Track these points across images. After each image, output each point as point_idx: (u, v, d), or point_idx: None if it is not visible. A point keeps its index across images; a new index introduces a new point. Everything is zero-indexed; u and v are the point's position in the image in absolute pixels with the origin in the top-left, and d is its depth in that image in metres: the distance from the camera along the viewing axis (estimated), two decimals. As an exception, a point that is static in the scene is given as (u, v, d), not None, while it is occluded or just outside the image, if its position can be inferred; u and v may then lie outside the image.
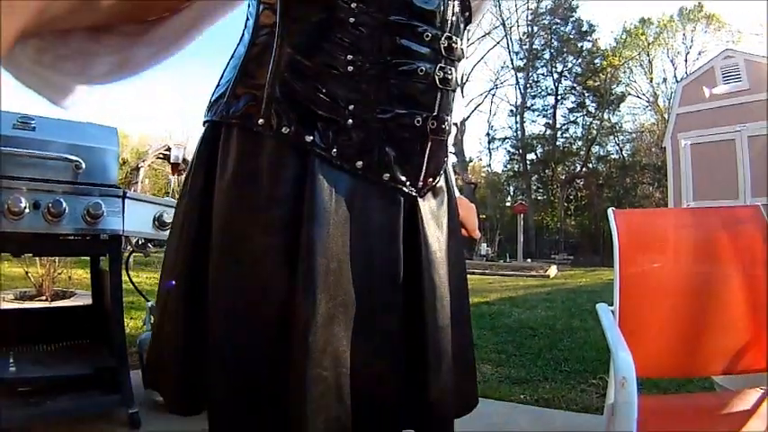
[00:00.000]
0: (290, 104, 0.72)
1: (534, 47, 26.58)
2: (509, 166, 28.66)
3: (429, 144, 0.80)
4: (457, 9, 0.80)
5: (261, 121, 0.72)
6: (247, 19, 0.81)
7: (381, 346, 0.76)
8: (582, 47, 26.43)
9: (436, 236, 0.84)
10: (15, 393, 1.77)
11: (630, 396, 1.21)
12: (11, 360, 1.91)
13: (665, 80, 26.43)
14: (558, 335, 4.40)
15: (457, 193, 0.98)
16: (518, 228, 17.90)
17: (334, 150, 0.73)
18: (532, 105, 27.18)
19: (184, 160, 10.65)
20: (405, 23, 0.74)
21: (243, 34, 0.81)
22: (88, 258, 2.68)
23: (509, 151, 28.49)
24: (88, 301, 2.59)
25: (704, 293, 1.60)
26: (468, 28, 0.88)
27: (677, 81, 18.59)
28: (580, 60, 26.53)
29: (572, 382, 3.02)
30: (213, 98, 0.80)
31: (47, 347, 2.24)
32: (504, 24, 25.43)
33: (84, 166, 1.92)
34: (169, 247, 0.83)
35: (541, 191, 27.97)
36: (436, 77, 0.77)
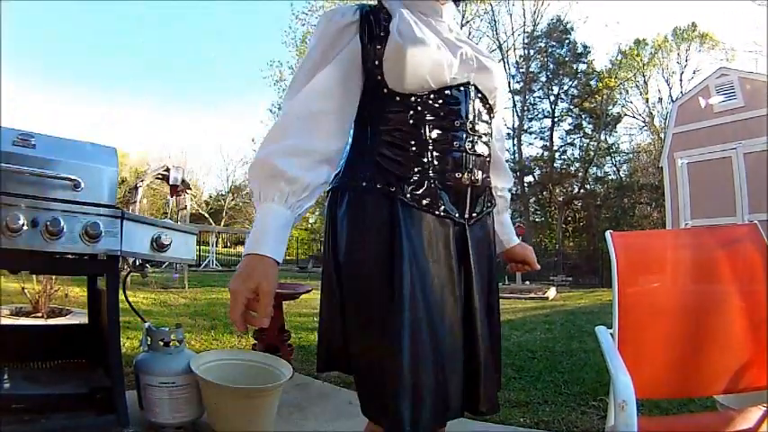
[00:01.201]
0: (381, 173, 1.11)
1: (531, 70, 26.79)
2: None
3: (469, 190, 1.14)
4: (479, 105, 1.16)
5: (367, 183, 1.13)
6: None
7: (452, 356, 1.05)
8: (577, 69, 26.68)
9: (479, 255, 1.15)
10: (10, 410, 1.74)
11: (630, 419, 1.20)
12: (5, 376, 1.89)
13: (660, 100, 26.72)
14: (558, 357, 4.37)
15: (516, 240, 1.49)
16: (516, 249, 17.82)
17: (407, 195, 1.08)
18: (529, 128, 27.35)
19: (183, 182, 10.66)
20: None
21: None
22: (85, 277, 2.66)
23: (507, 173, 28.52)
24: (84, 319, 2.57)
25: (703, 312, 1.60)
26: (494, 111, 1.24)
27: (673, 101, 18.80)
28: (576, 82, 26.77)
29: (572, 404, 2.99)
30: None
31: (42, 365, 2.22)
32: (500, 48, 25.69)
33: (83, 185, 1.92)
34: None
35: (539, 213, 28.00)
36: (466, 147, 1.13)
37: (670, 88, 26.29)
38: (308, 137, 1.03)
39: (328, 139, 1.06)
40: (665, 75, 26.63)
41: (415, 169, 1.09)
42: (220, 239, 24.87)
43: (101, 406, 1.90)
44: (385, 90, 1.09)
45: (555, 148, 26.78)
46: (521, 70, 26.80)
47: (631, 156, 26.85)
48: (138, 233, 2.07)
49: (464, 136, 1.12)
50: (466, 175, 1.11)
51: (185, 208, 11.15)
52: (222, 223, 30.15)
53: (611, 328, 1.57)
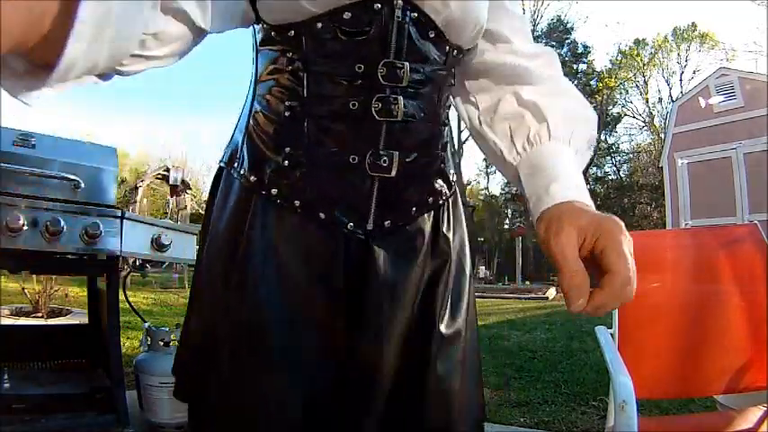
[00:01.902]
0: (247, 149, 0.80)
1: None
2: (507, 189, 28.72)
3: (375, 184, 0.75)
4: (413, 32, 0.73)
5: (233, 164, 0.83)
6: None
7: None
8: (577, 69, 26.76)
9: (402, 283, 0.77)
10: (10, 410, 1.74)
11: (630, 420, 1.20)
12: (5, 376, 1.89)
13: (660, 100, 26.81)
14: (558, 357, 4.37)
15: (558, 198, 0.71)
16: (516, 250, 17.88)
17: (274, 190, 0.75)
18: (530, 127, 27.34)
19: (183, 182, 10.68)
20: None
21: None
22: (85, 276, 2.66)
23: (508, 174, 28.56)
24: (84, 318, 2.57)
25: (703, 312, 1.60)
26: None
27: (673, 101, 18.79)
28: (576, 82, 26.73)
29: (572, 404, 3.00)
30: None
31: (42, 365, 2.22)
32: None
33: (82, 185, 1.92)
34: None
35: (540, 212, 27.96)
36: (374, 108, 0.72)
37: (670, 88, 26.37)
38: None
39: None
40: (665, 75, 26.71)
41: (287, 148, 0.74)
42: (220, 239, 24.81)
43: (101, 406, 1.90)
44: (265, 25, 0.76)
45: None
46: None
47: (631, 156, 26.91)
48: (138, 233, 2.06)
49: (371, 89, 0.71)
50: (369, 159, 0.73)
51: (185, 208, 11.17)
52: (222, 223, 30.07)
53: (610, 328, 1.56)
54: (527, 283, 17.06)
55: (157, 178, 10.80)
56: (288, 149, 0.74)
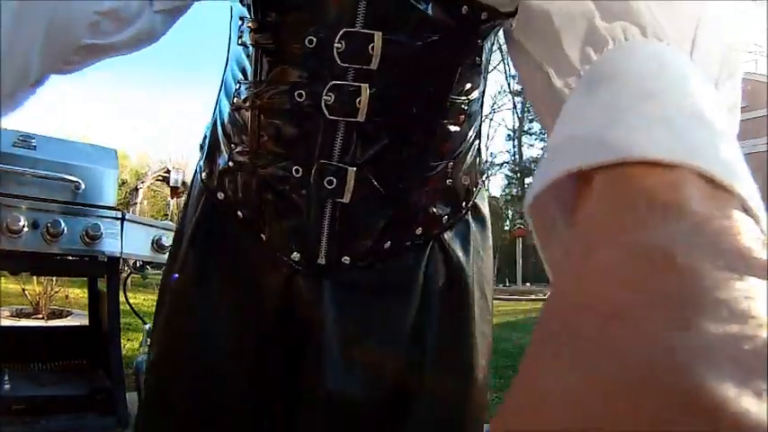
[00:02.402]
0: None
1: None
2: (507, 191, 28.75)
3: (327, 211, 0.56)
4: None
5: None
6: None
7: None
8: (578, 71, 26.75)
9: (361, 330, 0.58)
10: (10, 411, 1.74)
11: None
12: (6, 377, 1.89)
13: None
14: (559, 357, 4.37)
15: None
16: (516, 252, 17.89)
17: (220, 194, 0.62)
18: (530, 129, 27.38)
19: (183, 183, 10.65)
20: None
21: None
22: (85, 278, 2.67)
23: (507, 176, 28.63)
24: (85, 320, 2.58)
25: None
26: None
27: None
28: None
29: (573, 404, 2.99)
30: None
31: (43, 366, 2.22)
32: (501, 49, 25.69)
33: (83, 186, 1.92)
34: None
35: (540, 214, 28.01)
36: (328, 104, 0.52)
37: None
38: None
39: None
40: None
41: (232, 144, 0.60)
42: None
43: (101, 407, 1.90)
44: None
45: (556, 149, 26.84)
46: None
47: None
48: (139, 235, 2.08)
49: (322, 73, 0.52)
50: (315, 174, 0.54)
51: (186, 209, 11.20)
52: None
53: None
54: (527, 284, 17.06)
55: (158, 180, 10.80)
56: (233, 146, 0.60)
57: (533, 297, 11.97)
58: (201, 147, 0.68)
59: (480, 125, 0.64)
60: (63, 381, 2.03)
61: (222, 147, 0.62)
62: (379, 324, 0.58)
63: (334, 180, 0.53)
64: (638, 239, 0.20)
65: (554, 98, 0.37)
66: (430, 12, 0.50)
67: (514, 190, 27.85)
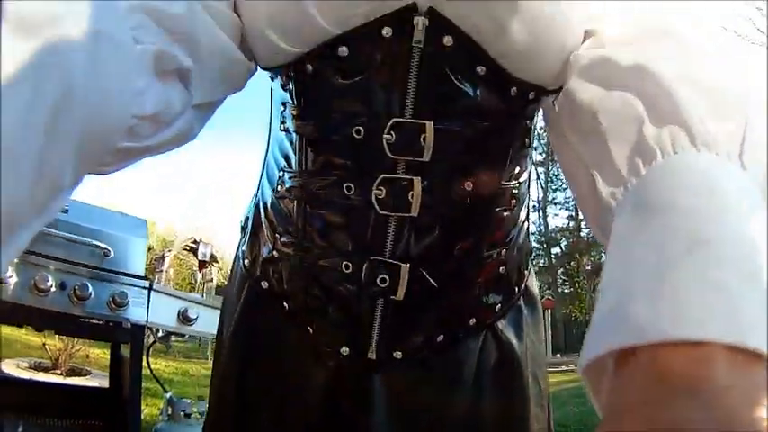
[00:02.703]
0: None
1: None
2: (534, 261, 28.14)
3: (378, 306, 0.53)
4: (443, 65, 0.48)
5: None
6: None
7: None
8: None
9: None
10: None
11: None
12: (20, 429, 1.88)
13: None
14: (593, 432, 4.15)
15: None
16: (546, 323, 17.43)
17: (264, 283, 0.60)
18: (554, 199, 27.34)
19: (212, 256, 10.83)
20: None
21: None
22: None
23: (534, 246, 28.07)
24: (104, 380, 2.56)
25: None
26: None
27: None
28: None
29: (610, 482, 2.80)
30: None
31: (58, 423, 2.19)
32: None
33: (112, 253, 1.97)
34: None
35: (567, 283, 27.44)
36: (381, 199, 0.49)
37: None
38: None
39: None
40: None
41: (277, 234, 0.58)
42: (245, 312, 24.76)
43: (116, 473, 1.85)
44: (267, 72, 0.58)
45: (581, 217, 26.57)
46: (542, 141, 27.11)
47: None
48: (165, 305, 2.10)
49: (373, 166, 0.50)
50: (367, 270, 0.52)
51: (212, 280, 11.29)
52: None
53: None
54: (558, 355, 16.50)
55: (185, 249, 11.00)
56: (277, 235, 0.58)
57: (564, 368, 11.52)
58: (243, 228, 0.66)
59: (529, 207, 0.63)
60: (78, 440, 1.99)
61: (266, 234, 0.60)
62: (429, 417, 0.57)
63: (387, 278, 0.51)
64: (657, 415, 0.23)
65: (599, 205, 0.38)
66: (479, 97, 0.48)
67: (541, 260, 27.48)
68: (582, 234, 26.45)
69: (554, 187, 27.28)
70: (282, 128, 0.56)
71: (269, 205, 0.59)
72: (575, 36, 0.47)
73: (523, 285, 0.63)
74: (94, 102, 0.34)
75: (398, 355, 0.55)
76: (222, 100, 0.55)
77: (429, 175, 0.49)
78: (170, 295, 2.19)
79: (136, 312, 1.92)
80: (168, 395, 2.44)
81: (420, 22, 0.44)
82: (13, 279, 1.64)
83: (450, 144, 0.48)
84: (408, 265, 0.50)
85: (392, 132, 0.47)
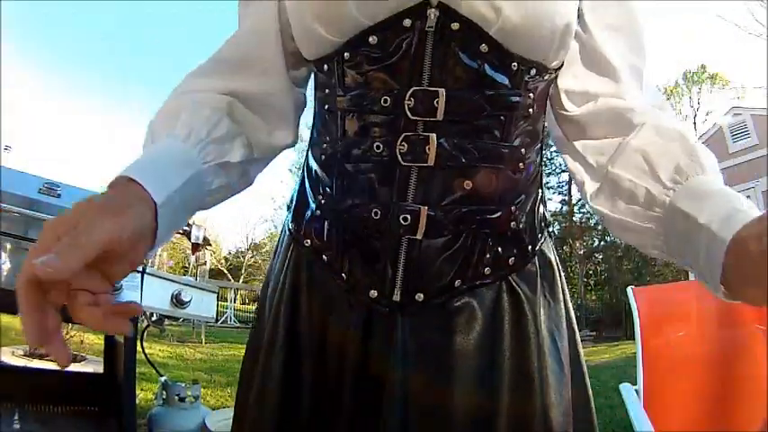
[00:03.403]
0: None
1: (546, 124, 27.24)
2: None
3: (403, 246, 0.62)
4: (456, 49, 0.60)
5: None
6: None
7: None
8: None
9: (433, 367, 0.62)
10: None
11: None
12: (15, 417, 1.88)
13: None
14: (583, 413, 4.22)
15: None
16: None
17: (307, 241, 0.70)
18: (547, 183, 27.05)
19: (205, 239, 10.80)
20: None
21: None
22: (102, 327, 2.68)
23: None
24: (98, 366, 2.57)
25: (731, 361, 1.55)
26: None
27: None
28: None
29: (599, 461, 2.86)
30: None
31: (54, 409, 2.20)
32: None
33: (104, 237, 1.96)
34: None
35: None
36: (399, 150, 0.60)
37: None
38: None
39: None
40: (679, 119, 26.68)
41: (319, 195, 0.69)
42: (239, 296, 24.85)
43: (111, 457, 1.87)
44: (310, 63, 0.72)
45: (574, 202, 26.70)
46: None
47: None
48: (159, 288, 2.11)
49: (396, 126, 0.61)
50: (392, 215, 0.61)
51: (205, 263, 11.26)
52: (241, 280, 30.22)
53: (635, 384, 1.52)
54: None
55: (178, 233, 10.96)
56: (319, 196, 0.69)
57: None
58: (288, 207, 0.77)
59: (542, 180, 0.72)
60: (73, 426, 2.01)
61: (309, 199, 0.71)
62: (448, 358, 0.62)
63: (409, 218, 0.61)
64: None
65: (650, 205, 0.60)
66: (486, 70, 0.60)
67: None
68: (575, 219, 26.57)
69: (547, 171, 27.07)
70: (326, 108, 0.68)
71: (314, 173, 0.71)
72: (562, 15, 0.61)
73: (537, 248, 0.70)
74: (187, 198, 0.61)
75: (420, 297, 0.63)
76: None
77: (442, 132, 0.60)
78: (163, 278, 2.19)
79: (129, 296, 1.91)
80: (163, 379, 2.46)
81: (432, 13, 0.58)
82: (6, 266, 1.64)
83: (459, 106, 0.60)
84: (426, 207, 0.61)
85: (412, 98, 0.59)
